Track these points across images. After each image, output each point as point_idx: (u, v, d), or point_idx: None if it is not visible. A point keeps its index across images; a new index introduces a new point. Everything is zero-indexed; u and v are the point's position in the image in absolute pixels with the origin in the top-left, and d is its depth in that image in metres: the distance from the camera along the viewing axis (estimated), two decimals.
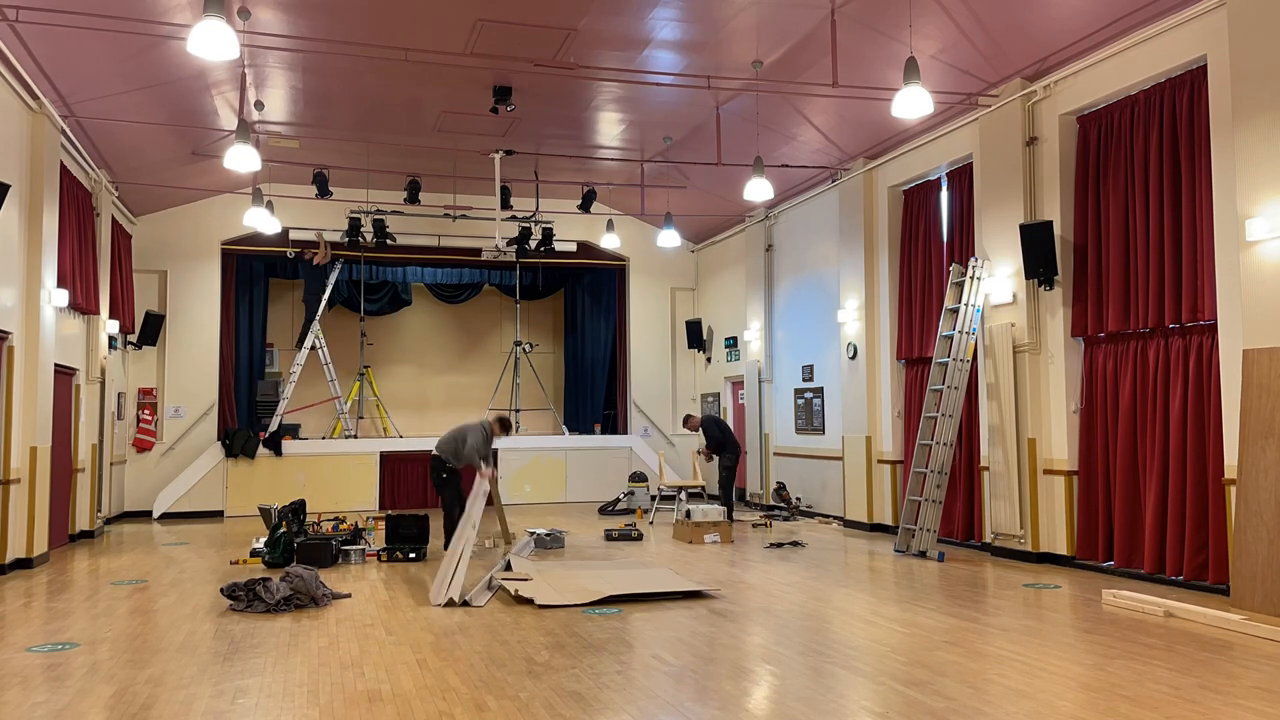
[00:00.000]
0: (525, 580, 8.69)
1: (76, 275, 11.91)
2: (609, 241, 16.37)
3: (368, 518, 12.11)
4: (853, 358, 13.37)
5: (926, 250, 12.21)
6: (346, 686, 5.61)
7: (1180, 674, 5.69)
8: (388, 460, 16.46)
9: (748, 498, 16.47)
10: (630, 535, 12.13)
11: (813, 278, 14.93)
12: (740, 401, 17.32)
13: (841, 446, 13.59)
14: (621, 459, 17.48)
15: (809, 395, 14.96)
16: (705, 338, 18.52)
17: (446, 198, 16.24)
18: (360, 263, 17.79)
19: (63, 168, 11.32)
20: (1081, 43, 9.24)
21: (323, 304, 17.20)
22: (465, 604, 7.95)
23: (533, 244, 16.49)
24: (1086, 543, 9.52)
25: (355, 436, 17.19)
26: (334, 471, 16.06)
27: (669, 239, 15.22)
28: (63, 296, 11.10)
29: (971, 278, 10.66)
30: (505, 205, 15.22)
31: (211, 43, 7.04)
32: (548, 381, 20.94)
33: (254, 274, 17.70)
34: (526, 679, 5.71)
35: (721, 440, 14.08)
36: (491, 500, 10.73)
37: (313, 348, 17.25)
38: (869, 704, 5.19)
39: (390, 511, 11.31)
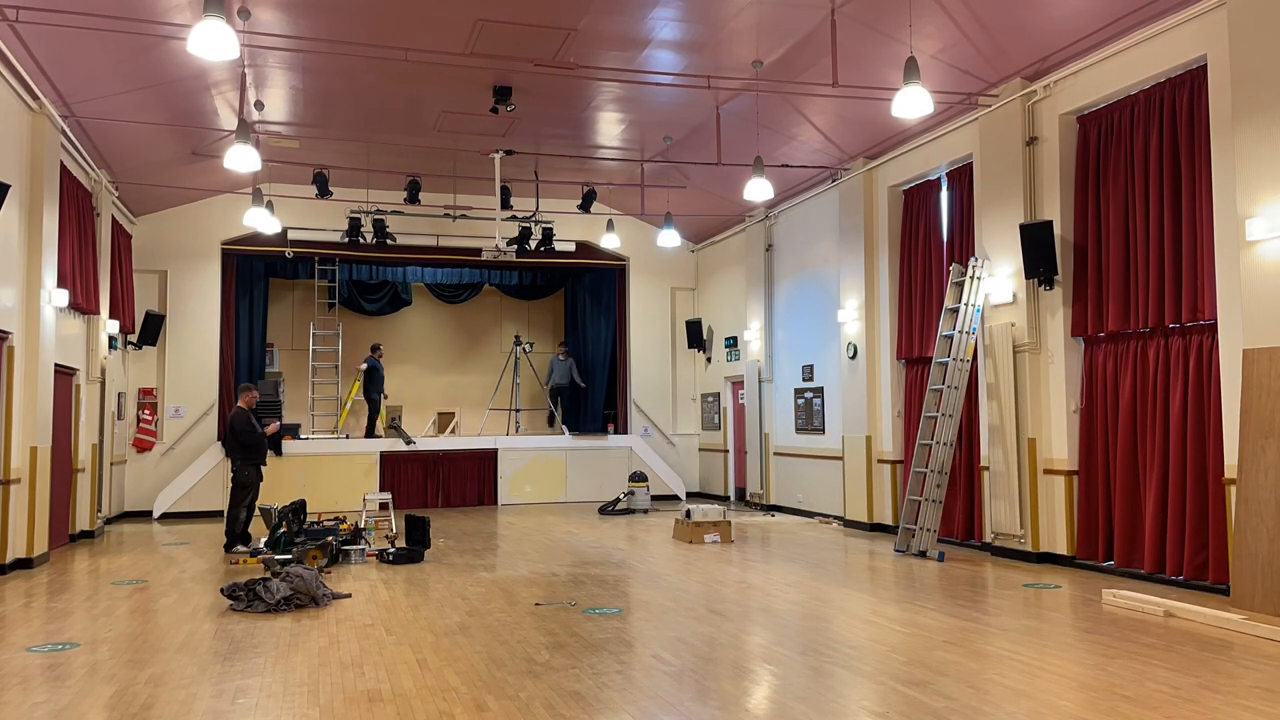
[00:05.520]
0: None
1: (76, 275, 11.91)
2: (609, 241, 16.37)
3: (366, 516, 12.10)
4: (853, 358, 13.37)
5: (926, 250, 12.20)
6: (346, 686, 5.61)
7: (1180, 674, 5.69)
8: (388, 460, 16.47)
9: (748, 497, 16.47)
10: None
11: (813, 278, 14.93)
12: (740, 401, 17.31)
13: (841, 446, 13.59)
14: (621, 459, 17.48)
15: (809, 395, 14.96)
16: (705, 337, 18.51)
17: (446, 198, 16.24)
18: (360, 263, 17.81)
19: (63, 168, 11.31)
20: (1081, 43, 9.24)
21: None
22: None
23: (533, 244, 16.49)
24: (1086, 543, 9.52)
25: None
26: (334, 471, 16.06)
27: (669, 239, 15.22)
28: (63, 296, 11.09)
29: (971, 277, 10.66)
30: (505, 205, 15.21)
31: (211, 43, 7.04)
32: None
33: (254, 274, 17.69)
34: (526, 679, 5.71)
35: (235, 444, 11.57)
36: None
37: None
38: (869, 704, 5.20)
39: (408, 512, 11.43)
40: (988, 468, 10.55)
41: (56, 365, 11.26)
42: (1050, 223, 9.67)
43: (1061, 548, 9.71)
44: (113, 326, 13.82)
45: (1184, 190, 8.57)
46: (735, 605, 7.93)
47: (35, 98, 10.31)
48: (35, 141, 10.45)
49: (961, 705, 5.12)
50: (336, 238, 16.24)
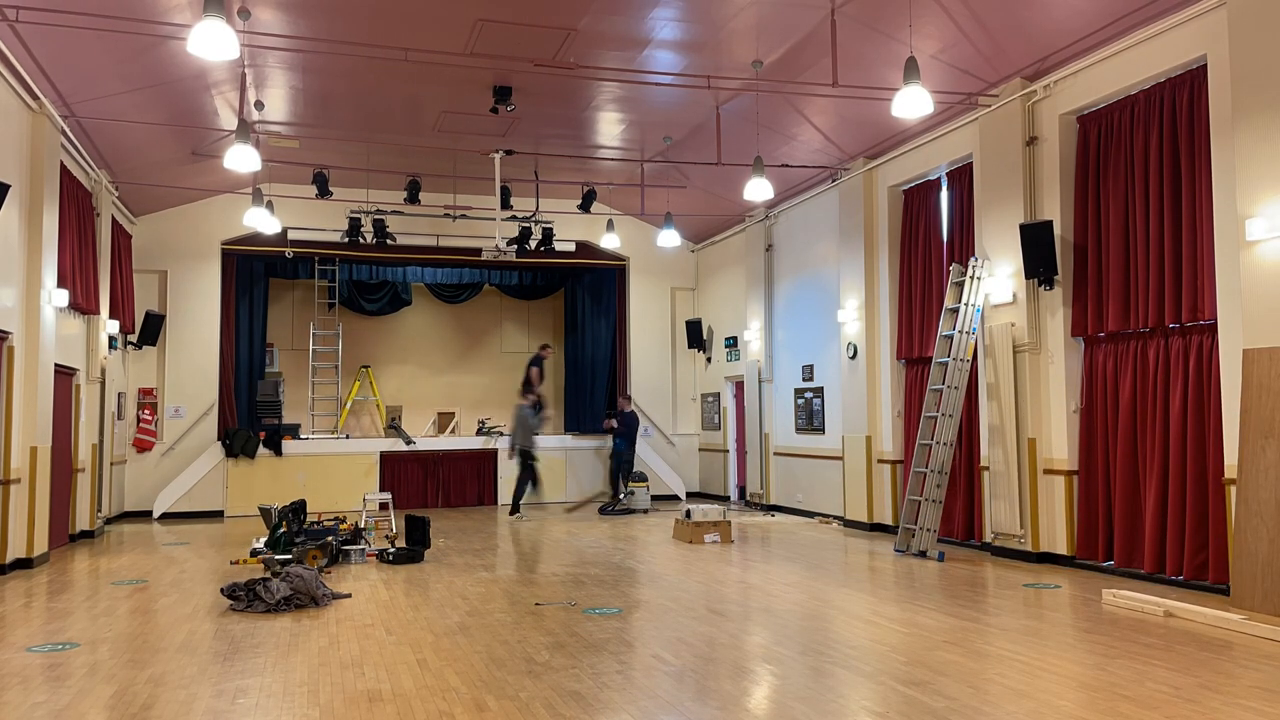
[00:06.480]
0: None
1: (76, 275, 11.91)
2: (609, 241, 16.36)
3: (366, 516, 12.11)
4: (853, 358, 13.37)
5: (926, 250, 12.20)
6: (346, 686, 5.61)
7: (1180, 674, 5.69)
8: (388, 460, 16.46)
9: (748, 497, 16.47)
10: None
11: (813, 278, 14.93)
12: (741, 401, 17.30)
13: (841, 446, 13.59)
14: None
15: (809, 395, 14.96)
16: (705, 337, 18.51)
17: (446, 198, 16.24)
18: (360, 263, 17.80)
19: (63, 168, 11.31)
20: (1081, 43, 9.24)
21: None
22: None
23: (533, 244, 16.49)
24: (1086, 543, 9.52)
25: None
26: (334, 471, 16.06)
27: (669, 239, 15.22)
28: (63, 296, 11.09)
29: (971, 277, 10.66)
30: (505, 205, 15.21)
31: (211, 43, 7.04)
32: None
33: (254, 274, 17.69)
34: (526, 679, 5.71)
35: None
36: None
37: None
38: (869, 704, 5.20)
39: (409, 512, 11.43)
40: (988, 468, 10.56)
41: (56, 365, 11.26)
42: (1050, 223, 9.67)
43: (1061, 548, 9.72)
44: (113, 326, 13.82)
45: (1184, 190, 8.57)
46: (735, 605, 7.93)
47: (35, 98, 10.31)
48: (35, 141, 10.45)
49: (961, 705, 5.12)
50: (336, 238, 16.23)
